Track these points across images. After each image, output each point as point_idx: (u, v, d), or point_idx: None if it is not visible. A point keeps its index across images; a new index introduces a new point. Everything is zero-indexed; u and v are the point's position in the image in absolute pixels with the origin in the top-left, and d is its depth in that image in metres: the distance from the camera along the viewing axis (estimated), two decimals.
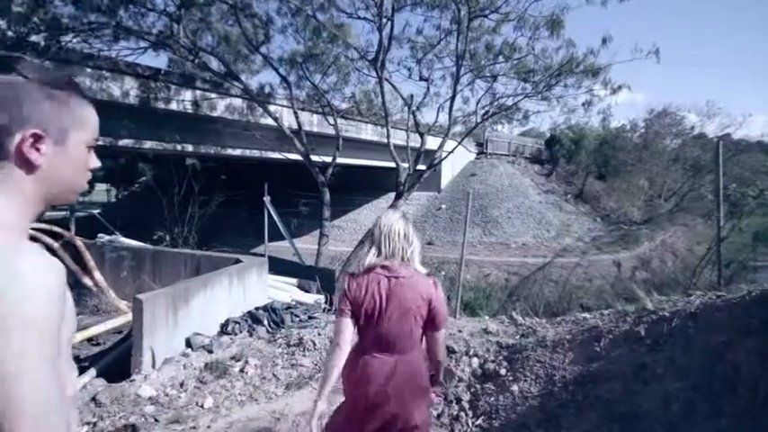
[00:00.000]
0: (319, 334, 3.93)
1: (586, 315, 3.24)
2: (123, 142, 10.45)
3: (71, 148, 0.62)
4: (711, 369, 1.89)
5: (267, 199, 5.83)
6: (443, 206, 20.39)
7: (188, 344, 3.61)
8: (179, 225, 5.92)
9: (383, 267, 1.52)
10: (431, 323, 1.53)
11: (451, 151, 7.22)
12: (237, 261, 4.83)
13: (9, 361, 0.45)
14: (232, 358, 3.55)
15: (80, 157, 0.64)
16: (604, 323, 2.64)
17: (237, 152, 13.00)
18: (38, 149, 0.58)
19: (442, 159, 7.62)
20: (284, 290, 5.54)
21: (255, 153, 13.01)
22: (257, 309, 4.38)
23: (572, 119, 24.96)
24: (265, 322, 4.20)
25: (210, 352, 3.60)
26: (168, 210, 6.41)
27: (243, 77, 11.35)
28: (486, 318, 4.02)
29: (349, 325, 1.51)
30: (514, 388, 2.56)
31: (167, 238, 5.60)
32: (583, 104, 7.43)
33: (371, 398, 1.48)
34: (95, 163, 0.67)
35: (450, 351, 3.19)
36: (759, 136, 25.87)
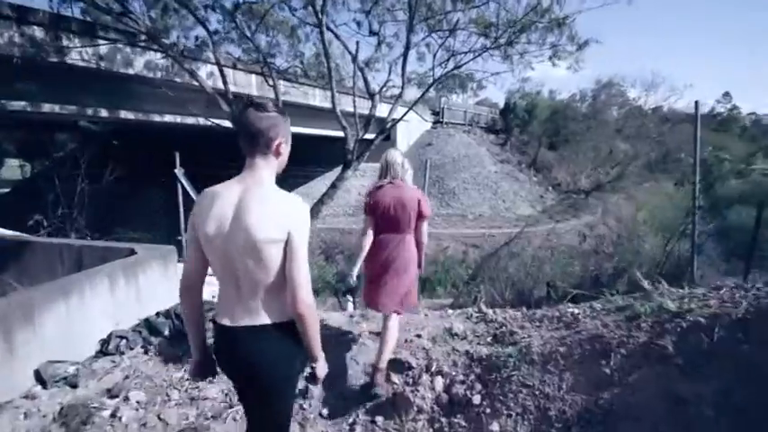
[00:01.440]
0: None
1: (574, 310, 2.59)
2: (13, 105, 8.45)
3: (288, 146, 1.38)
4: None
5: (180, 171, 4.64)
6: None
7: (39, 378, 2.55)
8: (63, 207, 4.58)
9: (389, 183, 2.45)
10: (420, 216, 2.45)
11: (404, 115, 6.33)
12: (133, 252, 3.71)
13: (305, 236, 1.26)
14: (108, 392, 2.55)
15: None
16: (609, 331, 1.95)
17: (166, 118, 11.19)
18: (282, 149, 1.35)
19: (395, 123, 6.71)
20: (207, 284, 4.50)
21: (189, 120, 11.27)
22: (158, 315, 3.34)
23: (526, 86, 24.96)
24: (167, 333, 3.19)
25: (75, 386, 2.57)
26: (61, 189, 5.01)
27: (174, 34, 9.53)
28: (451, 312, 3.30)
29: (372, 220, 2.42)
30: (494, 427, 1.84)
31: (44, 223, 4.28)
32: (550, 58, 6.78)
33: (383, 261, 2.42)
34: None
35: (406, 367, 2.42)
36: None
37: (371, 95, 6.92)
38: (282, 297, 1.27)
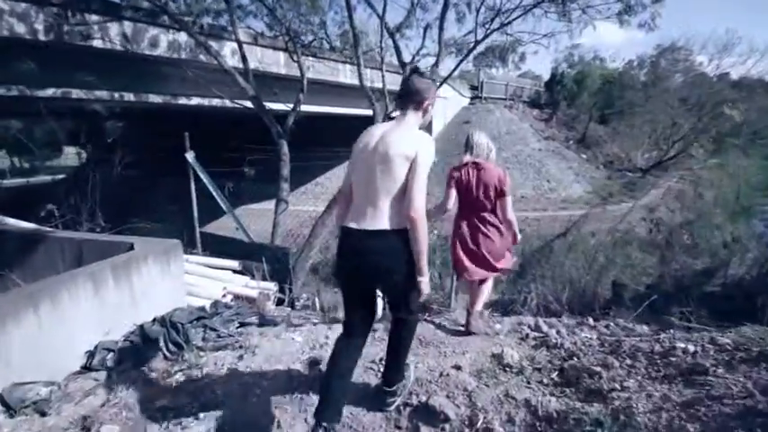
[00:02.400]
0: (241, 357, 2.51)
1: (688, 347, 1.81)
2: (43, 93, 8.45)
3: (432, 108, 1.79)
4: None
5: (190, 155, 4.19)
6: (435, 158, 18.65)
7: (4, 404, 2.17)
8: (78, 196, 4.31)
9: (473, 163, 2.57)
10: (501, 193, 2.53)
11: (440, 85, 5.48)
12: (132, 248, 3.30)
13: (428, 160, 1.62)
14: (83, 421, 2.13)
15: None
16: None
17: (193, 101, 10.95)
18: (428, 108, 1.76)
19: (437, 89, 5.91)
20: (217, 279, 4.08)
21: (215, 102, 10.96)
22: (153, 322, 2.92)
23: (576, 54, 22.63)
24: (162, 344, 2.76)
25: (44, 414, 2.17)
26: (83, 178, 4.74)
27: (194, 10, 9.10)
28: (498, 329, 2.60)
29: (453, 194, 2.59)
30: None
31: (56, 213, 4.01)
32: (618, 14, 5.59)
33: (469, 239, 2.58)
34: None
35: (441, 418, 1.78)
36: None
37: (403, 65, 6.13)
38: (401, 210, 1.59)
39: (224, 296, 3.77)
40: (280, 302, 4.30)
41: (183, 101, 10.54)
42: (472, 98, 21.84)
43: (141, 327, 2.89)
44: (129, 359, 2.71)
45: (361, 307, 1.80)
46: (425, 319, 3.02)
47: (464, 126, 19.60)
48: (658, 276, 4.21)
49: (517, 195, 16.94)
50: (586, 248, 4.63)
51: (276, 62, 11.84)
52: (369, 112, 6.28)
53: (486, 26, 5.47)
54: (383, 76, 6.02)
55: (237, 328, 3.24)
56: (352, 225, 1.66)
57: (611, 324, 3.12)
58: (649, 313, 3.66)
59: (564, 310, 4.00)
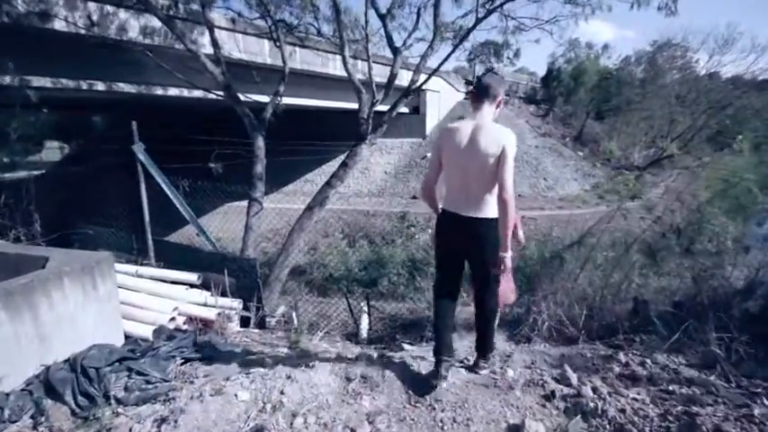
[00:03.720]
0: (160, 424, 1.84)
1: None
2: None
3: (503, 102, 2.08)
4: None
5: (139, 148, 3.50)
6: (429, 154, 18.05)
7: None
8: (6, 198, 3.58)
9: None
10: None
11: (435, 70, 4.87)
12: (48, 261, 2.63)
13: (512, 152, 1.86)
14: None
15: None
16: None
17: (171, 93, 10.15)
18: (500, 102, 2.01)
19: (424, 82, 5.26)
20: (168, 297, 3.40)
21: (197, 94, 10.16)
22: (64, 364, 2.25)
23: (572, 50, 22.13)
24: (68, 396, 2.10)
25: None
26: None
27: None
28: (511, 377, 1.99)
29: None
30: None
31: None
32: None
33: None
34: None
35: None
36: None
37: (394, 50, 5.49)
38: (493, 199, 1.96)
39: (172, 319, 3.11)
40: (246, 322, 3.65)
41: (159, 91, 9.78)
42: (467, 93, 21.22)
43: (47, 369, 2.22)
44: (29, 414, 2.06)
45: (455, 272, 2.21)
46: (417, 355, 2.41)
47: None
48: (682, 292, 3.63)
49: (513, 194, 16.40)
50: (603, 258, 4.05)
51: (260, 51, 11.09)
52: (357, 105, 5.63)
53: (487, 5, 4.84)
54: (368, 53, 5.36)
55: (181, 364, 2.58)
56: (453, 210, 2.04)
57: (648, 362, 2.53)
58: (682, 338, 3.07)
59: (580, 335, 3.39)
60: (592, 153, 20.29)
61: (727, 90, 20.83)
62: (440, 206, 2.13)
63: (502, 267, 1.91)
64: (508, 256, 1.90)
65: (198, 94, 9.96)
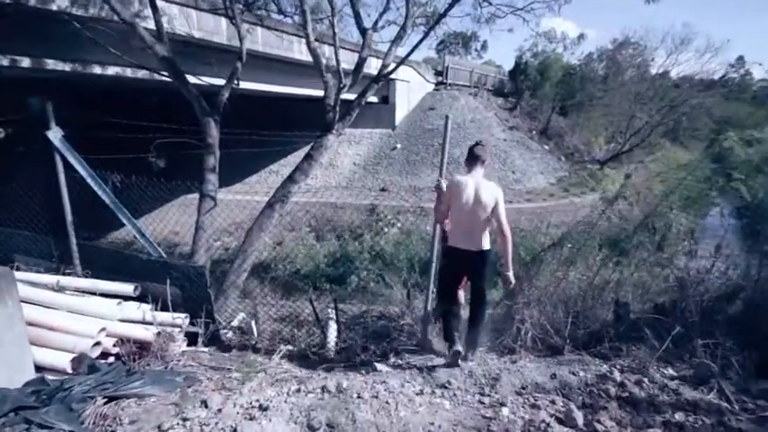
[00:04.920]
0: None
1: None
2: None
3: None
4: None
5: (55, 135, 2.87)
6: (399, 145, 17.72)
7: None
8: None
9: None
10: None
11: (407, 56, 4.47)
12: None
13: (502, 200, 2.79)
14: None
15: None
16: None
17: (110, 72, 9.08)
18: (486, 165, 2.95)
19: (396, 68, 4.85)
20: (95, 316, 2.85)
21: (142, 75, 9.15)
22: None
23: (538, 45, 22.43)
24: None
25: None
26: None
27: None
28: (500, 401, 1.68)
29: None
30: None
31: None
32: None
33: None
34: None
35: None
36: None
37: (363, 31, 5.03)
38: (487, 235, 2.79)
39: (97, 344, 2.57)
40: (194, 340, 3.15)
41: (96, 70, 8.74)
42: (437, 84, 21.00)
43: None
44: None
45: (455, 286, 3.04)
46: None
47: (429, 113, 18.76)
48: (664, 291, 3.51)
49: None
50: (588, 256, 3.85)
51: (217, 30, 10.21)
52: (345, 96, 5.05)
53: None
54: (335, 40, 4.87)
55: (105, 404, 2.10)
56: (462, 246, 2.80)
57: (644, 381, 2.31)
58: (669, 346, 2.92)
59: (565, 344, 3.18)
60: (557, 147, 20.74)
61: (683, 89, 21.89)
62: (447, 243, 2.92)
63: (511, 281, 2.77)
64: (511, 273, 2.75)
65: (143, 75, 9.00)
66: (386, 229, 13.13)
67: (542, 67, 22.16)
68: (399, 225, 13.61)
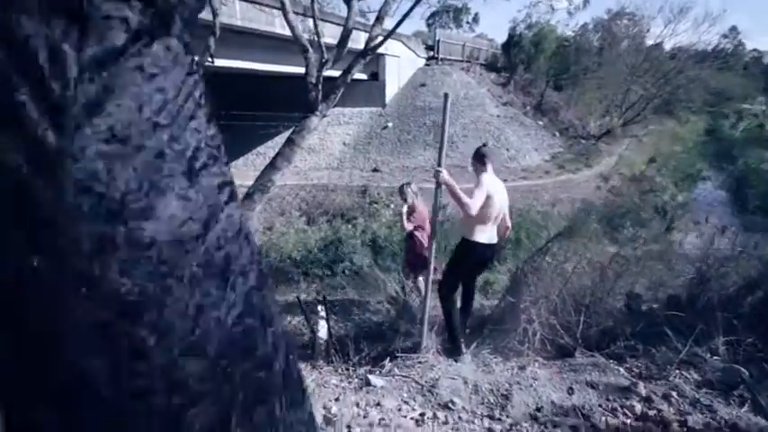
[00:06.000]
0: None
1: None
2: None
3: None
4: None
5: None
6: (390, 124, 17.16)
7: None
8: None
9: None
10: None
11: (396, 27, 4.03)
12: None
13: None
14: None
15: None
16: None
17: None
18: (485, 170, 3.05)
19: (383, 41, 4.41)
20: None
21: None
22: None
23: (533, 16, 21.65)
24: None
25: None
26: None
27: None
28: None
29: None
30: None
31: None
32: None
33: None
34: None
35: None
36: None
37: (348, 1, 4.54)
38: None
39: None
40: None
41: None
42: (428, 59, 20.25)
43: None
44: None
45: (471, 280, 3.32)
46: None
47: (420, 89, 18.12)
48: (686, 284, 3.25)
49: None
50: (597, 245, 3.58)
51: None
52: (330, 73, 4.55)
53: None
54: (314, 13, 4.39)
55: None
56: (489, 242, 2.97)
57: (673, 396, 2.05)
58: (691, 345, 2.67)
59: (577, 345, 2.91)
60: (551, 122, 20.32)
61: (679, 61, 21.40)
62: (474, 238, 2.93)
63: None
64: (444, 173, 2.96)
65: None
66: (381, 211, 12.80)
67: (537, 39, 21.45)
68: (393, 206, 13.28)
